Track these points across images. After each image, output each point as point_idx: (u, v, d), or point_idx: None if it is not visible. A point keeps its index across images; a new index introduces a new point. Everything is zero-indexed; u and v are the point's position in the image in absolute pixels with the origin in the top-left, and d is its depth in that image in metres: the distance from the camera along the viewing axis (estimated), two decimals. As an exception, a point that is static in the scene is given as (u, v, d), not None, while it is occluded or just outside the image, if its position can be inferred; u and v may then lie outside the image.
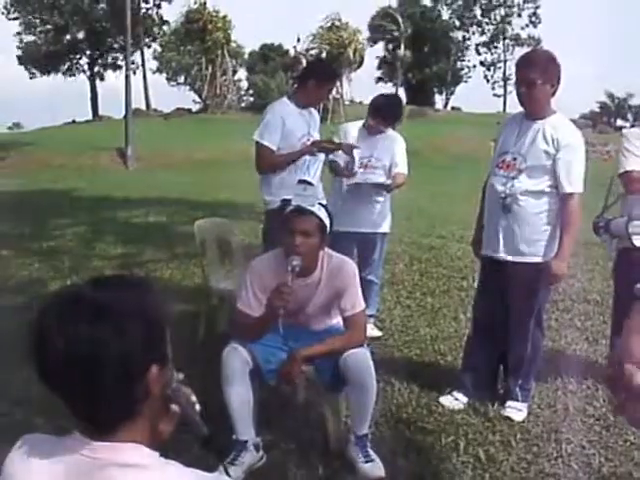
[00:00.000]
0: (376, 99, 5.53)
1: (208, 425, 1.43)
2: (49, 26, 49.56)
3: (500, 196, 4.10)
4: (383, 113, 5.40)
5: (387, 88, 55.40)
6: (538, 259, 4.10)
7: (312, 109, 5.21)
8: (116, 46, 51.01)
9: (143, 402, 1.28)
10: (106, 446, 1.26)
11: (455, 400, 4.32)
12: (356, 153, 5.31)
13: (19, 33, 50.16)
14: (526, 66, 3.99)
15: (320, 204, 3.69)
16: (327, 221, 3.56)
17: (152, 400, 1.29)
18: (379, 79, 59.71)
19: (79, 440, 1.27)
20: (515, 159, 4.08)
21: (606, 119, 65.65)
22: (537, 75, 3.93)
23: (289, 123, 4.93)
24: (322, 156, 5.11)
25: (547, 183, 4.04)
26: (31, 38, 50.62)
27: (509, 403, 4.24)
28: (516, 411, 4.18)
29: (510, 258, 4.13)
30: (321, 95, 5.16)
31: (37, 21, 49.80)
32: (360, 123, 5.56)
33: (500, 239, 4.15)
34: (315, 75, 5.03)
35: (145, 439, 1.30)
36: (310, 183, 4.87)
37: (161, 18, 50.82)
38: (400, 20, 48.62)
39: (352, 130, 5.54)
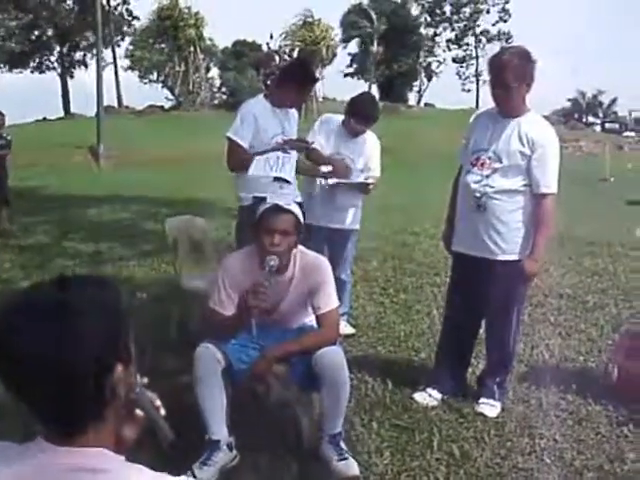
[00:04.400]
0: (354, 102, 5.42)
1: (179, 425, 1.40)
2: (14, 23, 48.81)
3: (475, 195, 4.08)
4: (365, 114, 5.30)
5: (359, 84, 55.58)
6: (514, 257, 4.09)
7: (290, 109, 5.14)
8: (85, 43, 50.59)
9: (109, 404, 1.25)
10: (70, 451, 1.22)
11: (429, 397, 4.31)
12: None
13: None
14: (500, 68, 3.92)
15: (295, 202, 3.68)
16: (302, 219, 3.55)
17: (117, 403, 1.26)
18: (346, 75, 59.64)
19: (42, 445, 1.24)
20: (490, 158, 4.06)
21: (577, 116, 66.37)
22: (512, 77, 3.87)
23: (262, 121, 4.87)
24: (295, 155, 5.06)
25: (522, 182, 4.03)
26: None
27: (483, 399, 4.23)
28: (490, 407, 4.18)
29: (486, 256, 4.12)
30: (298, 98, 5.08)
31: (3, 17, 48.95)
32: (339, 120, 5.43)
33: (475, 237, 4.14)
34: (294, 77, 4.96)
35: (110, 444, 1.27)
36: (287, 181, 4.86)
37: (131, 14, 50.53)
38: (374, 16, 48.69)
39: (330, 124, 5.46)
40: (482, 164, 4.09)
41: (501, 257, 4.10)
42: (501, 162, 4.02)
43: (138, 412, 1.33)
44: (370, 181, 5.38)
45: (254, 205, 4.27)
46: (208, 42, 47.68)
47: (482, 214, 4.08)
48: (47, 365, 1.17)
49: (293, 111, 5.17)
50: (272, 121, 4.93)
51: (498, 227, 4.07)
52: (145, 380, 1.37)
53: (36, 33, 50.10)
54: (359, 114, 5.31)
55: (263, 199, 3.92)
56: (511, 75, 3.87)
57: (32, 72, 52.61)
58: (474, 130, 4.25)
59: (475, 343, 4.54)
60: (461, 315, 4.36)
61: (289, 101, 5.03)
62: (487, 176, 4.06)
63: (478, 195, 4.07)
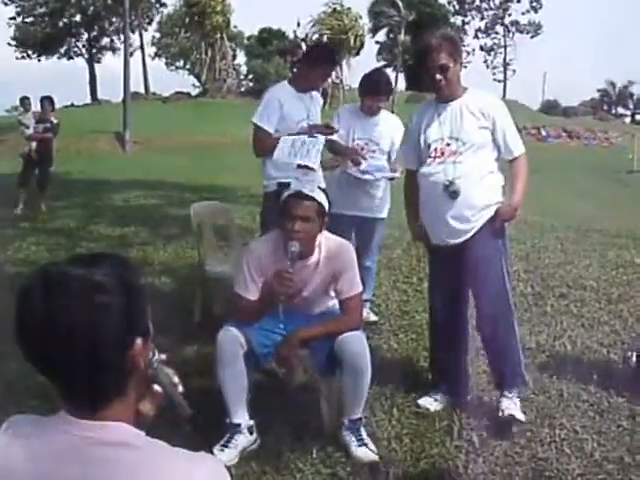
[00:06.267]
0: (364, 78, 5.47)
1: (202, 407, 1.42)
2: (43, 9, 49.25)
3: (444, 184, 3.91)
4: (375, 88, 5.35)
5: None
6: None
7: (314, 93, 5.15)
8: (112, 28, 50.95)
9: (129, 378, 1.28)
10: (93, 425, 1.24)
11: (435, 401, 4.12)
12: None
13: (17, 14, 49.75)
14: (437, 51, 3.90)
15: (319, 188, 3.68)
16: (326, 205, 3.55)
17: (137, 377, 1.29)
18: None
19: (66, 419, 1.26)
20: (449, 144, 3.95)
21: (607, 107, 65.60)
22: (448, 58, 3.88)
23: (287, 107, 4.89)
24: (322, 139, 5.06)
25: (492, 156, 3.97)
26: (27, 21, 50.30)
27: (505, 392, 4.08)
28: (510, 401, 4.04)
29: (461, 239, 3.95)
30: (318, 78, 5.08)
31: (33, 4, 49.39)
32: (357, 105, 5.52)
33: (446, 225, 3.96)
34: (314, 58, 5.01)
35: (130, 419, 1.29)
36: (311, 168, 4.86)
37: (158, 0, 50.81)
38: (401, 5, 48.38)
39: (348, 111, 5.54)
40: (442, 153, 3.97)
41: (472, 232, 3.95)
42: (465, 144, 3.92)
43: (157, 388, 1.35)
44: (397, 175, 5.34)
45: (278, 191, 4.29)
46: (234, 29, 47.75)
47: (455, 201, 3.91)
48: (71, 339, 1.19)
49: (317, 96, 5.21)
50: (297, 106, 4.95)
51: (474, 203, 3.92)
52: (163, 356, 1.38)
53: (64, 20, 50.47)
54: (369, 89, 5.36)
55: (288, 185, 3.93)
56: (446, 56, 3.88)
57: (59, 58, 53.11)
58: (419, 125, 4.10)
59: (469, 337, 4.30)
60: (449, 312, 4.16)
61: (310, 82, 5.05)
62: (454, 162, 3.92)
63: (447, 183, 3.91)
